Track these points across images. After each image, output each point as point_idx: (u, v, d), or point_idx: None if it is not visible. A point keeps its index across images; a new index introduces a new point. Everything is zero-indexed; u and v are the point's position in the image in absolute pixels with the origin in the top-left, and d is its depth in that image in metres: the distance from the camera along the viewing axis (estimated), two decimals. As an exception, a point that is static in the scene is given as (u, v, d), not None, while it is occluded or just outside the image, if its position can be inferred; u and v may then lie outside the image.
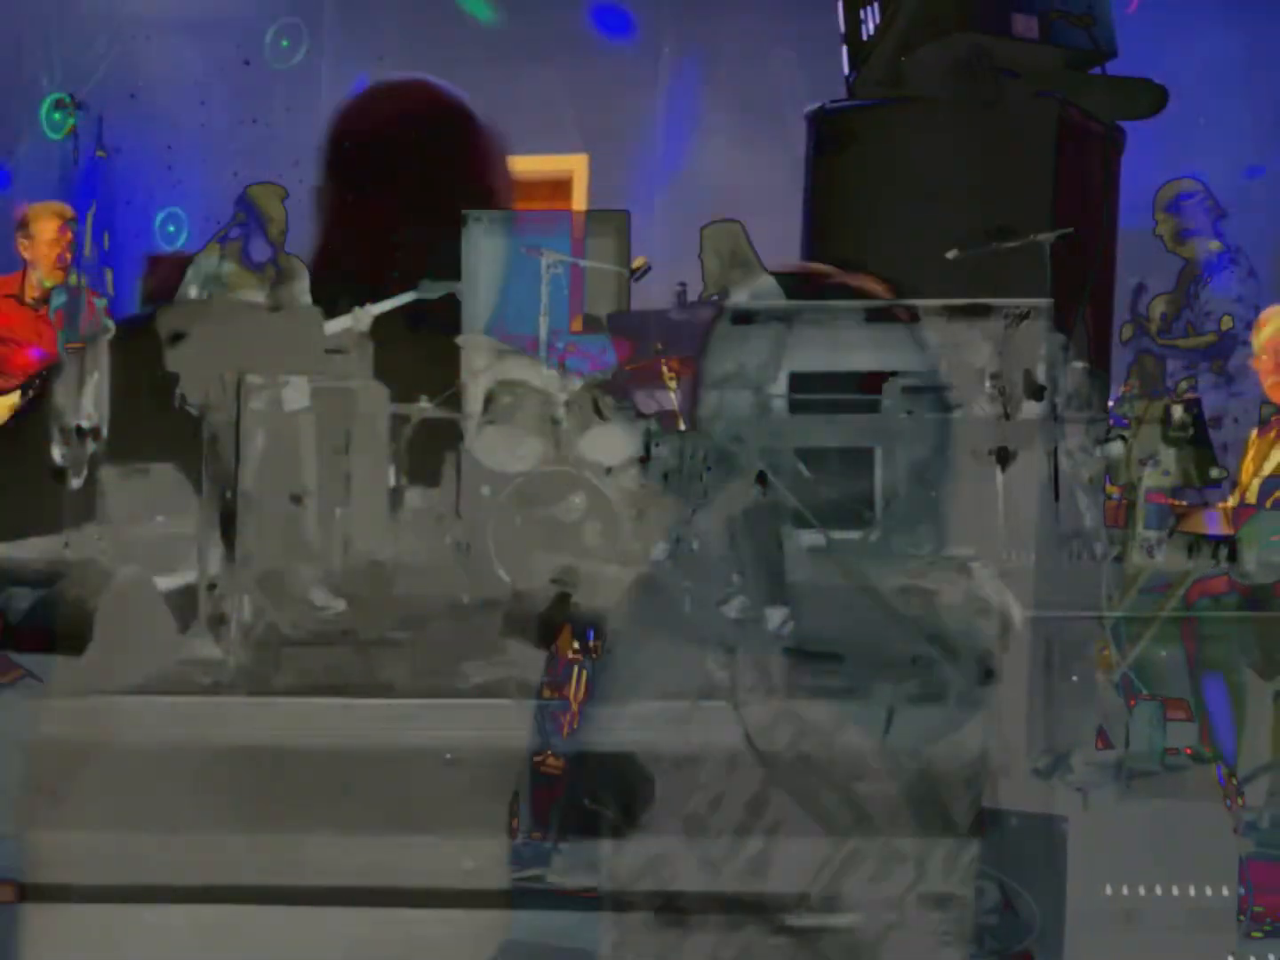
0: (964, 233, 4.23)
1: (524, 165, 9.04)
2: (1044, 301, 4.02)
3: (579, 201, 8.96)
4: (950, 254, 4.24)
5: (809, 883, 3.69)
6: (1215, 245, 7.42)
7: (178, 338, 5.54)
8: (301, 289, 9.04)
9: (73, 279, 7.72)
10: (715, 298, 8.34)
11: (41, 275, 7.30)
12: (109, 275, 9.30)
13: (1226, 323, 7.30)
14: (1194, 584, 5.03)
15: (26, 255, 7.37)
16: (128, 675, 4.12)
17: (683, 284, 8.02)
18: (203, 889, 4.12)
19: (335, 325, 6.59)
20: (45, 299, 7.34)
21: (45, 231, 7.36)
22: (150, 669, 4.09)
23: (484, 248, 8.60)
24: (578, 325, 8.09)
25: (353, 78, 9.33)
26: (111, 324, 7.17)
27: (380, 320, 4.83)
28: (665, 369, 6.50)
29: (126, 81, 9.48)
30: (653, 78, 8.80)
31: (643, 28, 8.77)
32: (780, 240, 6.20)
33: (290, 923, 4.04)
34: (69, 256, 7.38)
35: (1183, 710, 4.14)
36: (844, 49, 4.76)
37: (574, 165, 9.01)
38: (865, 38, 4.65)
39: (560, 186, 9.09)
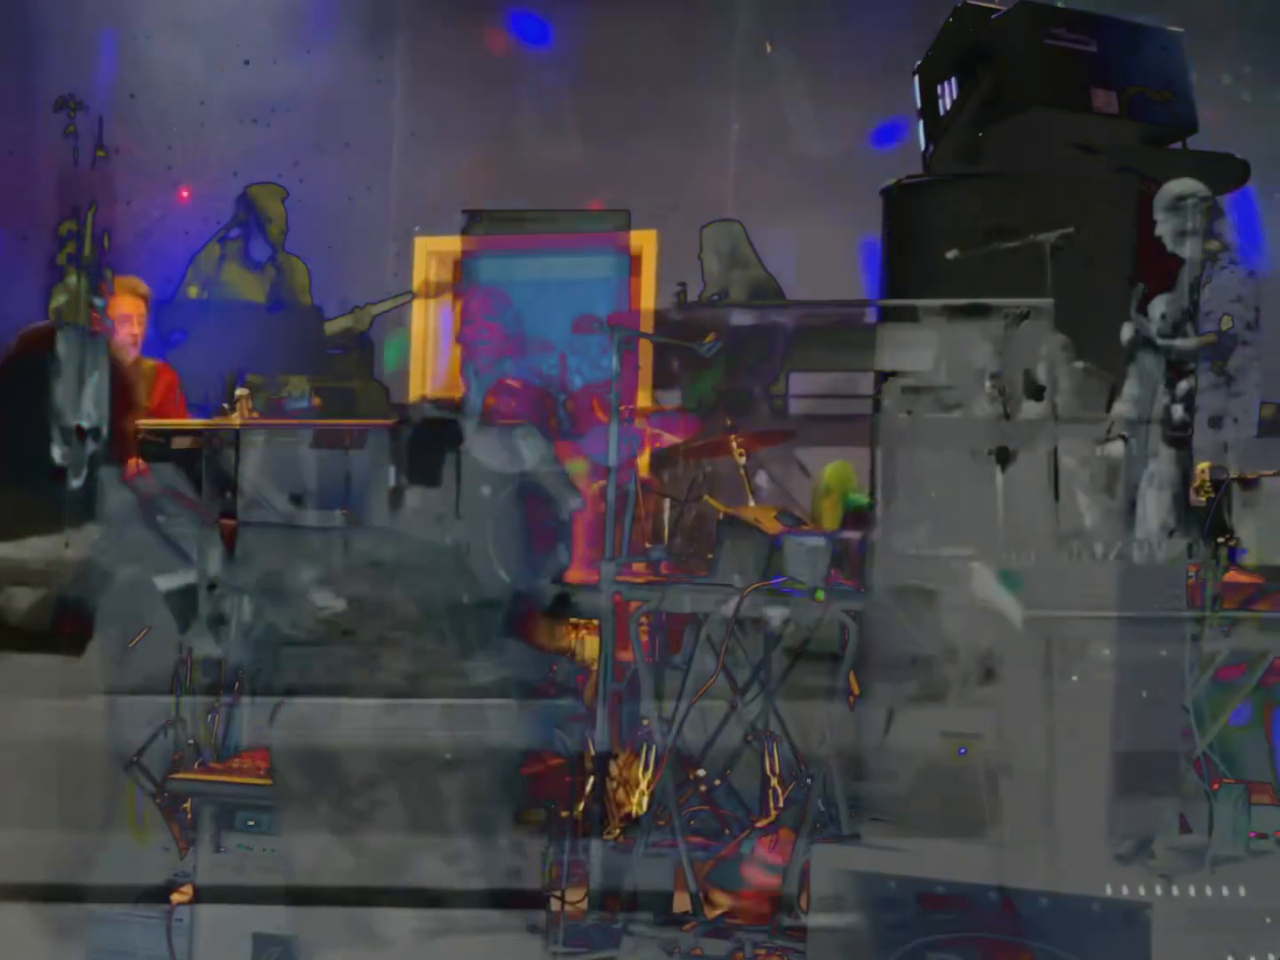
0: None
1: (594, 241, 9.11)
2: (1044, 301, 4.02)
3: (648, 276, 9.03)
4: (950, 254, 4.22)
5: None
6: (1215, 245, 7.42)
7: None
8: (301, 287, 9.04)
9: (71, 279, 7.71)
10: (716, 297, 8.35)
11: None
12: (109, 275, 9.30)
13: (1226, 323, 7.30)
14: (1275, 661, 4.98)
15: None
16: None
17: (682, 284, 8.02)
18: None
19: (336, 325, 6.60)
20: None
21: (119, 308, 7.30)
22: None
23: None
24: (646, 400, 8.14)
25: (356, 77, 9.33)
26: (110, 324, 7.17)
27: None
28: (734, 444, 6.50)
29: (127, 82, 9.48)
30: (723, 155, 8.80)
31: (713, 106, 8.79)
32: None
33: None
34: (139, 333, 7.27)
35: (1268, 794, 4.09)
36: (920, 124, 4.74)
37: (643, 241, 9.08)
38: (942, 113, 4.64)
39: (631, 262, 9.19)
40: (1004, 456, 3.94)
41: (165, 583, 5.99)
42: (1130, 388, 4.13)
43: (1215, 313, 7.34)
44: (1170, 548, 4.72)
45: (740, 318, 8.26)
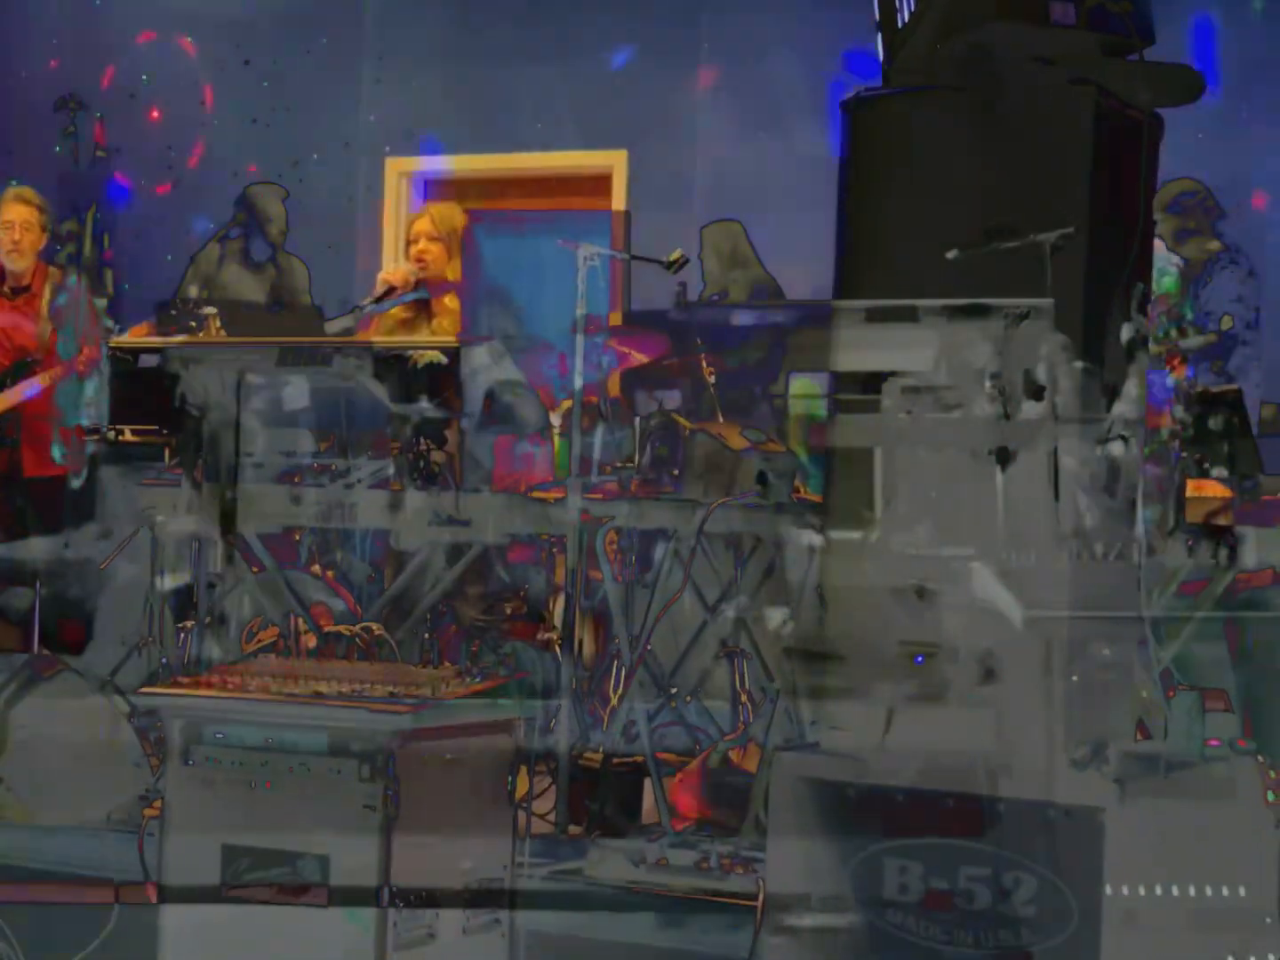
0: (999, 224, 4.24)
1: (563, 161, 9.10)
2: (1044, 301, 4.02)
3: (618, 197, 8.99)
4: (950, 254, 4.22)
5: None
6: (1215, 245, 7.43)
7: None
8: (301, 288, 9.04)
9: (72, 279, 7.71)
10: (715, 297, 8.34)
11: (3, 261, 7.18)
12: (109, 275, 9.31)
13: (1226, 322, 7.30)
14: (1237, 577, 5.02)
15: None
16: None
17: (682, 284, 8.02)
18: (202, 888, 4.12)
19: (336, 325, 6.59)
20: (24, 288, 7.22)
21: (2, 215, 7.24)
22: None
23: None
24: (616, 319, 8.09)
25: (354, 75, 9.33)
26: (112, 324, 7.17)
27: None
28: (705, 364, 6.51)
29: (127, 82, 9.48)
30: (693, 74, 8.77)
31: (683, 24, 8.72)
32: (818, 232, 6.23)
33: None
34: (26, 240, 7.20)
35: (1222, 701, 4.09)
36: (878, 36, 4.72)
37: (612, 161, 9.03)
38: (900, 25, 4.61)
39: (600, 182, 9.13)
40: (1004, 456, 3.94)
41: (164, 583, 6.00)
42: (1130, 388, 4.13)
43: (1215, 313, 7.34)
44: (1171, 547, 4.73)
45: (740, 318, 8.26)
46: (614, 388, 7.00)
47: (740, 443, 5.42)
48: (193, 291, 8.99)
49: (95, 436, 5.90)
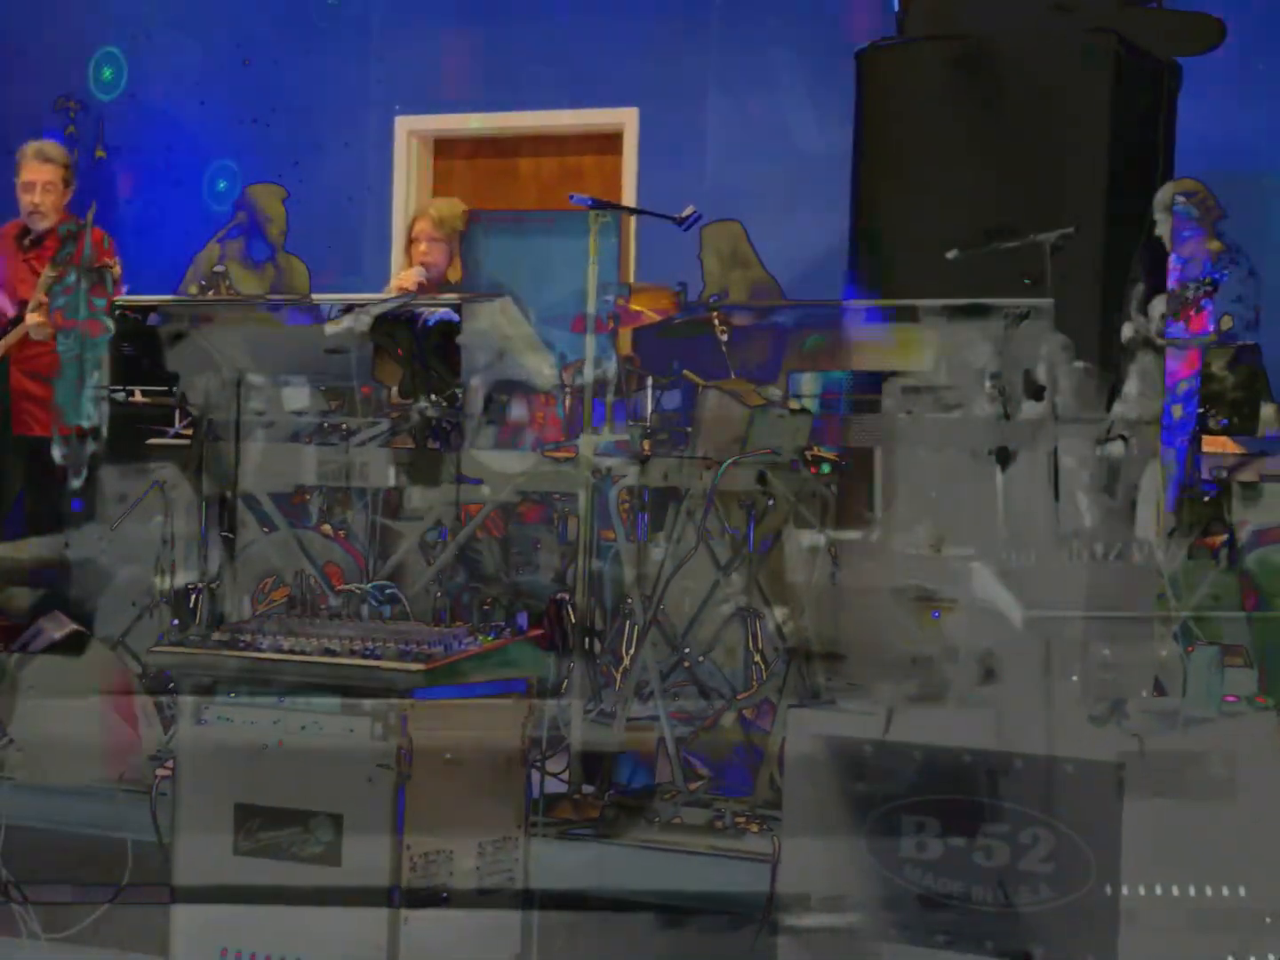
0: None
1: (573, 119, 9.07)
2: (1044, 301, 4.03)
3: (629, 155, 8.95)
4: (950, 254, 4.23)
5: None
6: (1215, 245, 7.42)
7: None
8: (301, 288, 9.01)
9: (71, 279, 7.71)
10: (715, 297, 8.33)
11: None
12: (109, 275, 9.28)
13: (1226, 322, 7.29)
14: (1257, 533, 5.01)
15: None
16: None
17: (683, 284, 8.01)
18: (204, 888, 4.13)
19: (336, 326, 6.58)
20: (36, 241, 7.24)
21: (23, 176, 7.23)
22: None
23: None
24: (628, 277, 8.01)
25: (355, 70, 9.33)
26: (112, 325, 7.16)
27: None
28: (716, 321, 6.48)
29: (127, 82, 9.48)
30: (706, 29, 8.73)
31: None
32: (833, 184, 6.16)
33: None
34: (48, 201, 7.20)
35: (1241, 656, 4.07)
36: None
37: (624, 119, 9.01)
38: None
39: (610, 140, 9.11)
40: (1004, 456, 3.94)
41: (164, 582, 5.99)
42: (1130, 387, 4.13)
43: (1215, 313, 7.33)
44: (1171, 548, 4.73)
45: (740, 317, 8.25)
46: (625, 347, 6.92)
47: (756, 400, 5.36)
48: (192, 291, 8.98)
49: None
